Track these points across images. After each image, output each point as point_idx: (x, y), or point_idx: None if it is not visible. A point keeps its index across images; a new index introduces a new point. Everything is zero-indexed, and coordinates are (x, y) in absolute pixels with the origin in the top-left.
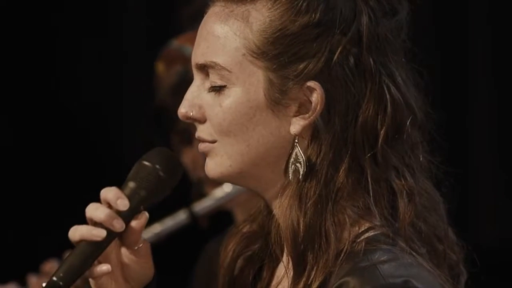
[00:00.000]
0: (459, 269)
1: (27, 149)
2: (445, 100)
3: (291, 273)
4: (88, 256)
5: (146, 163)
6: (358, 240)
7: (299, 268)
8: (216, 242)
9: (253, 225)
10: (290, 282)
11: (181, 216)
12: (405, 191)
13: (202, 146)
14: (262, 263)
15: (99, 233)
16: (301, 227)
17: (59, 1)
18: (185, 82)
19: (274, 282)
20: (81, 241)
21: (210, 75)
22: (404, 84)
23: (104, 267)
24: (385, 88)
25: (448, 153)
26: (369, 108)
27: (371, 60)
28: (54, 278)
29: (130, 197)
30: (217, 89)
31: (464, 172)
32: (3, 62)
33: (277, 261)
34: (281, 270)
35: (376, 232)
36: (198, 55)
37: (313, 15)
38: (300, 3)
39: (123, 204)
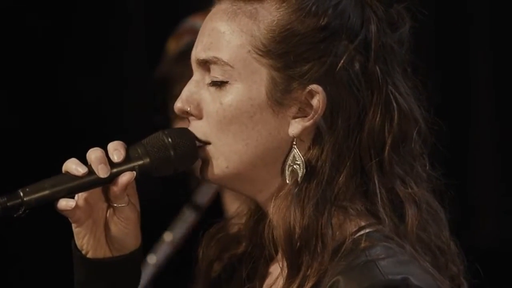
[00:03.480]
0: (459, 280)
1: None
2: (445, 102)
3: (286, 273)
4: (62, 186)
5: (164, 136)
6: (356, 236)
7: (294, 268)
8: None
9: (235, 226)
10: (284, 281)
11: (187, 214)
12: (411, 198)
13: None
14: (254, 263)
15: (80, 168)
16: (298, 228)
17: None
18: (191, 50)
19: (267, 281)
20: (66, 172)
21: (212, 71)
22: (407, 95)
23: (70, 202)
24: (392, 97)
25: (448, 156)
26: (376, 116)
27: (377, 68)
28: (19, 190)
29: (131, 157)
30: (218, 85)
31: (463, 174)
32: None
33: (271, 260)
34: (275, 269)
35: (374, 229)
36: (200, 50)
37: (322, 19)
38: (310, 5)
39: (117, 155)
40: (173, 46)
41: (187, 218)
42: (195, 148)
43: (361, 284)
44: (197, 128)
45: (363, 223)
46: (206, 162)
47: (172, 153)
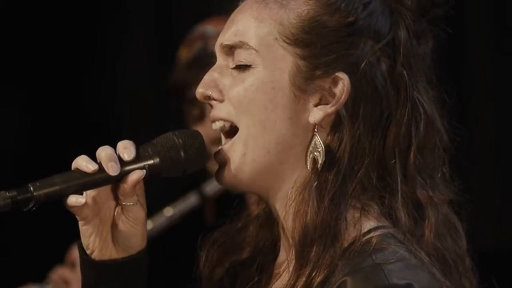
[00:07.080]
0: None
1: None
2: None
3: (292, 266)
4: (72, 183)
5: (175, 137)
6: (368, 236)
7: (303, 260)
8: None
9: (239, 232)
10: (290, 275)
11: (192, 199)
12: (433, 203)
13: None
14: (258, 266)
15: (90, 165)
16: (314, 219)
17: None
18: (204, 55)
19: (274, 275)
20: (76, 169)
21: (236, 55)
22: (431, 104)
23: (80, 198)
24: (419, 103)
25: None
26: (402, 117)
27: (405, 73)
28: (29, 184)
29: (141, 156)
30: (242, 68)
31: (465, 174)
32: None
33: (277, 259)
34: (282, 265)
35: (387, 231)
36: (226, 36)
37: (350, 15)
38: (339, 1)
39: (127, 154)
40: (184, 53)
41: (189, 203)
42: (205, 150)
43: (366, 286)
44: (221, 109)
45: (377, 224)
46: (224, 164)
47: (182, 154)
